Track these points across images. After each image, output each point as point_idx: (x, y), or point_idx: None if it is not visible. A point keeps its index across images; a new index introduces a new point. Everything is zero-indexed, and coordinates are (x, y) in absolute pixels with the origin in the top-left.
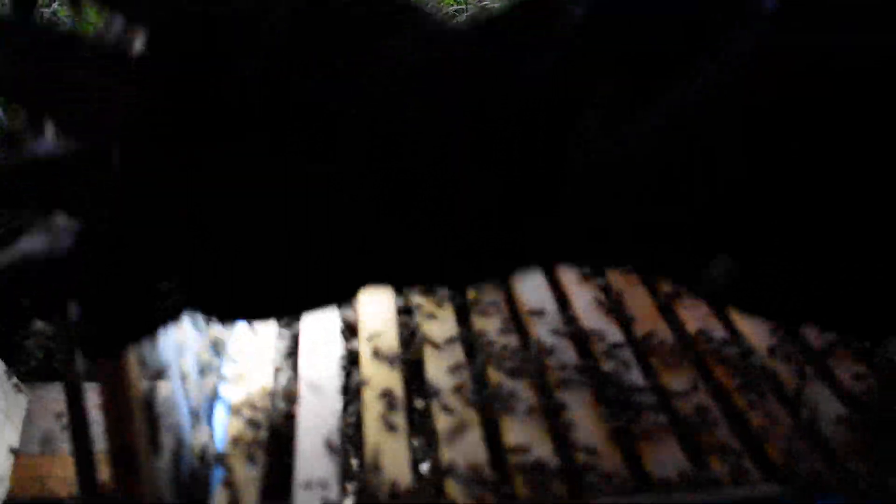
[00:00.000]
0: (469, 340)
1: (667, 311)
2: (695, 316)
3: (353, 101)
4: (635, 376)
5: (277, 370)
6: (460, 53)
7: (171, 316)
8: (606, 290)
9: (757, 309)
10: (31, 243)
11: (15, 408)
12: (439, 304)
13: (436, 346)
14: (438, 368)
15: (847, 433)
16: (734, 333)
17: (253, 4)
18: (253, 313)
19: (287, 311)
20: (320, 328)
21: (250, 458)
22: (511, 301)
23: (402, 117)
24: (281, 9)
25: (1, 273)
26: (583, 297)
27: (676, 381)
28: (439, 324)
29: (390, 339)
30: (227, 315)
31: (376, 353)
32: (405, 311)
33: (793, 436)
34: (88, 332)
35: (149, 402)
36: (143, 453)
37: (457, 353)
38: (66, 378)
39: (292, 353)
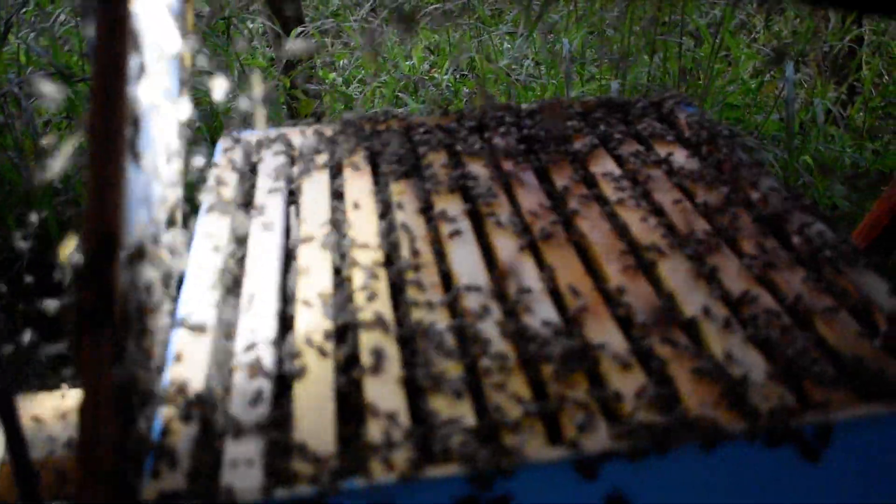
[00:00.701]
0: (401, 312)
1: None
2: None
3: None
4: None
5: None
6: None
7: None
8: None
9: None
10: None
11: None
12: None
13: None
14: (371, 338)
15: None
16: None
17: None
18: None
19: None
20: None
21: (182, 445)
22: (447, 276)
23: None
24: None
25: None
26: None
27: (597, 334)
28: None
29: (323, 327)
30: None
31: (310, 342)
32: (339, 281)
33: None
34: None
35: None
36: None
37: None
38: None
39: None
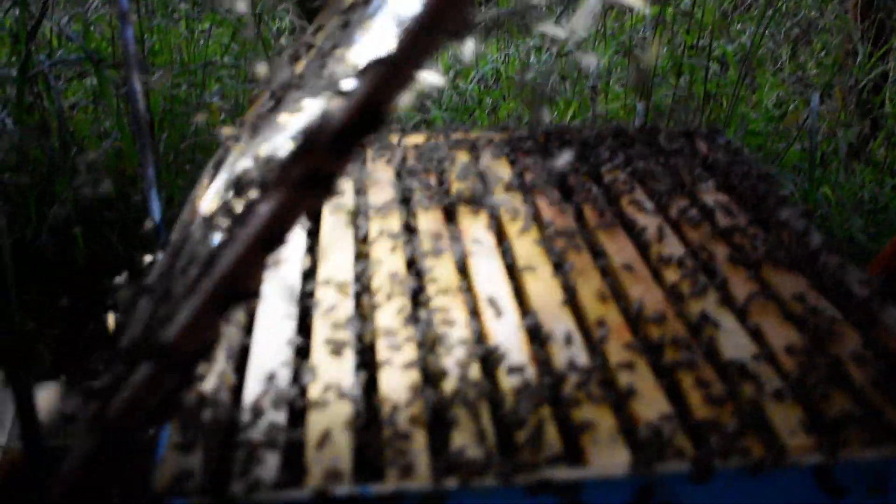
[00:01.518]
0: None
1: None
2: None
3: None
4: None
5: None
6: None
7: None
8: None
9: None
10: None
11: (3, 405)
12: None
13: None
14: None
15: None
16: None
17: None
18: None
19: None
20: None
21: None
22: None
23: None
24: None
25: None
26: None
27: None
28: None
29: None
30: None
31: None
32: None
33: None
34: None
35: None
36: None
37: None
38: (14, 379)
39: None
